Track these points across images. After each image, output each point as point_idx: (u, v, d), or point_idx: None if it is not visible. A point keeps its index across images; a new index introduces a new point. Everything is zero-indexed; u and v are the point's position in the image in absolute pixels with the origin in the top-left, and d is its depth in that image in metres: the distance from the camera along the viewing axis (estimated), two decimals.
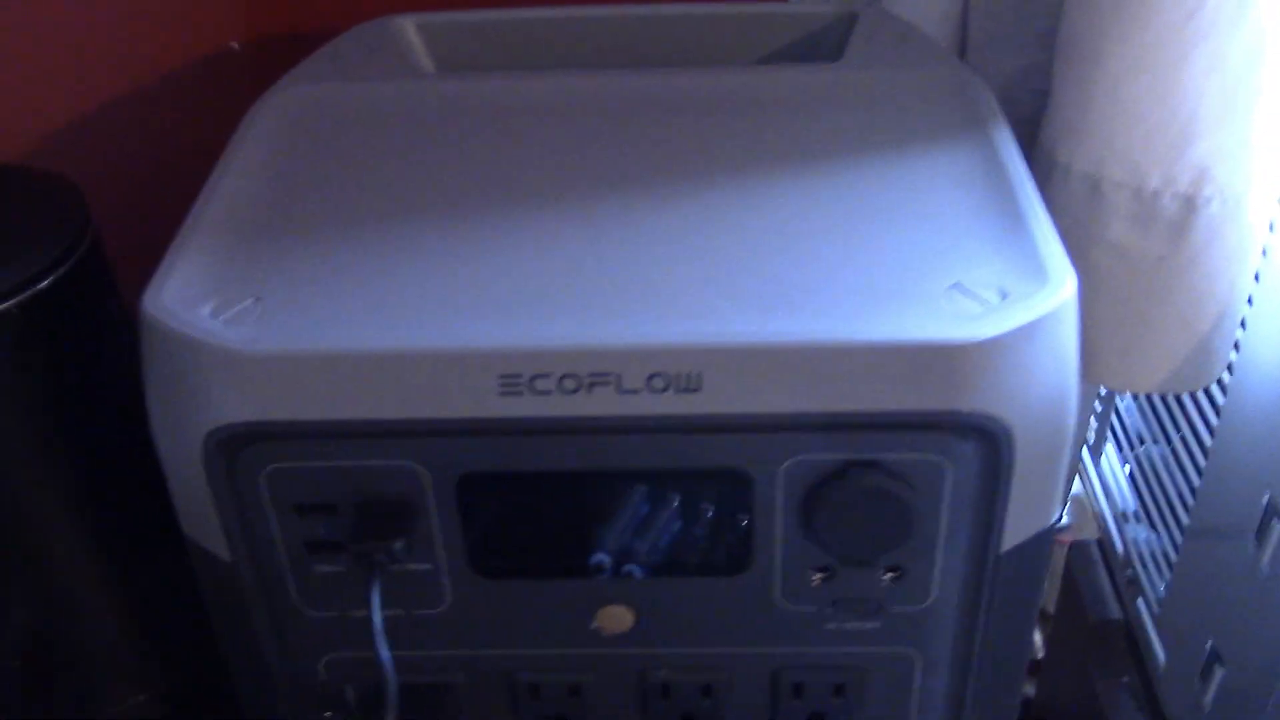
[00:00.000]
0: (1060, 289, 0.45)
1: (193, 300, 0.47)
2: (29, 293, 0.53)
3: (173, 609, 0.66)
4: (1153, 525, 0.75)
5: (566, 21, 0.67)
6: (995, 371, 0.44)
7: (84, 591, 0.61)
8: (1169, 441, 0.74)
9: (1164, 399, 0.74)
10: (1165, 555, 0.72)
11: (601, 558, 0.49)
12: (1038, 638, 0.88)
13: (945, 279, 0.46)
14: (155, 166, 0.74)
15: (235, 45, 0.72)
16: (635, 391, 0.44)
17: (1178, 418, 0.71)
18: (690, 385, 0.44)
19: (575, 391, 0.44)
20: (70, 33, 0.68)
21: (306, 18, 0.70)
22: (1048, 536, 0.49)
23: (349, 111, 0.58)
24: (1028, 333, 0.44)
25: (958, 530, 0.47)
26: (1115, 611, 0.80)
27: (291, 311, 0.46)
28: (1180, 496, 0.71)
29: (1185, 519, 0.69)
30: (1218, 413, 0.65)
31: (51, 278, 0.54)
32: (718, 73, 0.60)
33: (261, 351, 0.44)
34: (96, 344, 0.58)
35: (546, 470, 0.47)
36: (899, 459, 0.45)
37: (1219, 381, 0.63)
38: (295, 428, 0.46)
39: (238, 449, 0.46)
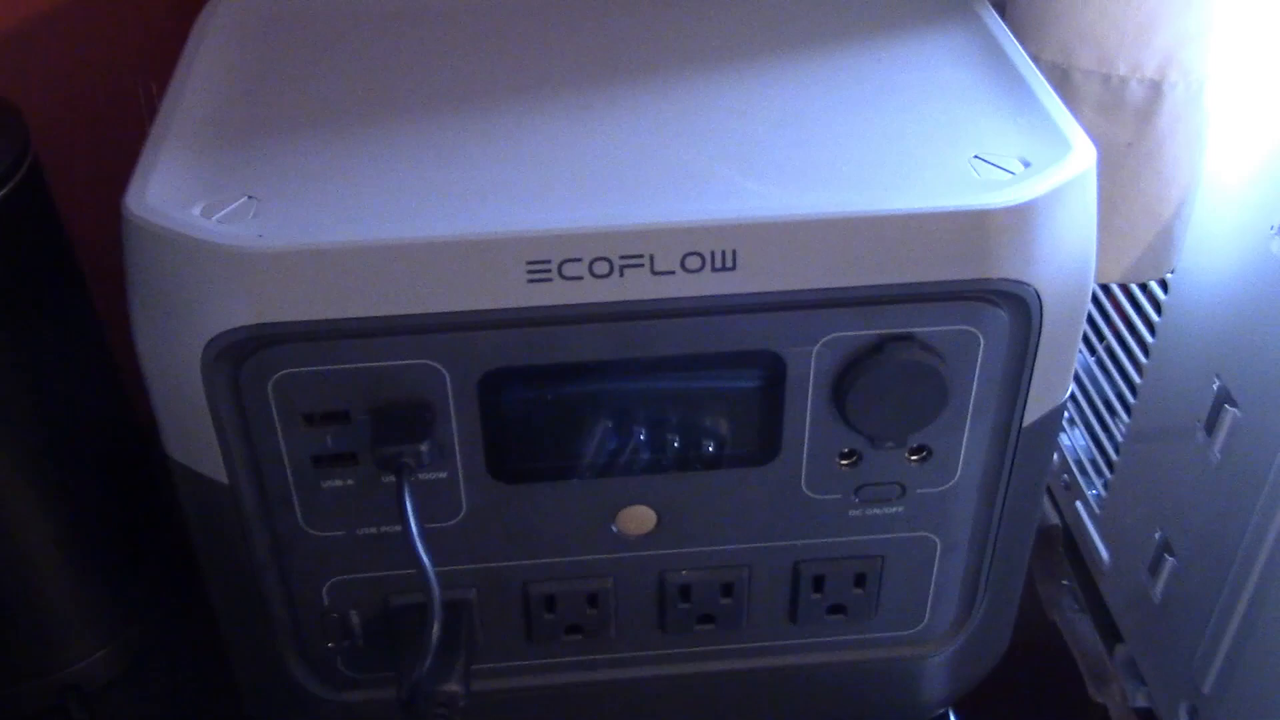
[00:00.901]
0: (1081, 155, 0.45)
1: (179, 202, 0.43)
2: None
3: (132, 558, 0.62)
4: (1089, 429, 0.77)
5: None
6: (1025, 237, 0.44)
7: (39, 542, 0.57)
8: (1092, 351, 0.76)
9: (1094, 302, 0.75)
10: (1105, 457, 0.73)
11: (626, 454, 0.47)
12: None
13: (966, 151, 0.45)
14: (80, 91, 0.69)
15: None
16: (669, 273, 0.43)
17: (1114, 319, 0.73)
18: (725, 263, 0.43)
19: (607, 275, 0.43)
20: None
21: None
22: (1061, 411, 0.50)
23: (300, 14, 0.55)
24: (1054, 198, 0.44)
25: (986, 405, 0.47)
26: (1053, 517, 0.82)
27: (291, 207, 0.43)
28: (1120, 396, 0.72)
29: (1126, 418, 0.70)
30: (1158, 308, 0.67)
31: None
32: None
33: (266, 248, 0.41)
34: (41, 271, 0.54)
35: (573, 362, 0.45)
36: (933, 331, 0.45)
37: None
38: (307, 329, 0.43)
39: (242, 356, 0.43)
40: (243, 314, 0.42)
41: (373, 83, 0.50)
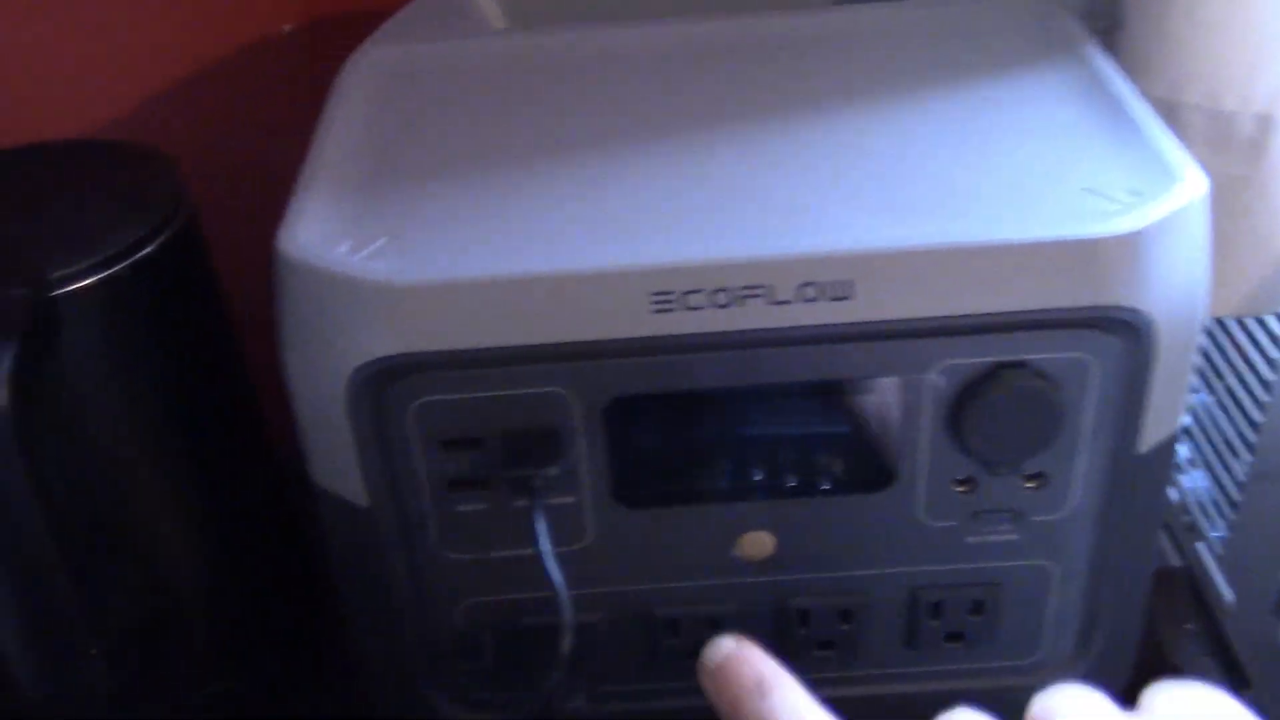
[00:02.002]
0: (1192, 186, 0.46)
1: (327, 241, 0.46)
2: (133, 259, 0.53)
3: (273, 584, 0.65)
4: (1210, 469, 0.76)
5: None
6: (1136, 265, 0.45)
7: (187, 571, 0.60)
8: (1211, 390, 0.76)
9: (1212, 342, 0.75)
10: (1228, 498, 0.73)
11: (747, 480, 0.49)
12: None
13: (1077, 184, 0.47)
14: (225, 142, 0.74)
15: (286, 28, 0.73)
16: (787, 302, 0.45)
17: (1232, 359, 0.73)
18: (842, 293, 0.44)
19: (727, 305, 0.45)
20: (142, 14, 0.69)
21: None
22: (1175, 440, 0.50)
23: (435, 67, 0.59)
24: (1165, 226, 0.45)
25: (1100, 431, 0.48)
26: (1175, 559, 0.81)
27: (430, 246, 0.46)
28: (1241, 436, 0.72)
29: (1248, 458, 0.70)
30: (1278, 344, 0.66)
31: (154, 244, 0.54)
32: (798, 15, 0.61)
33: (408, 282, 0.44)
34: (194, 312, 0.58)
35: (696, 389, 0.47)
36: (1046, 359, 0.46)
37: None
38: (445, 358, 0.45)
39: (385, 384, 0.46)
40: (385, 345, 0.45)
41: (502, 129, 0.53)
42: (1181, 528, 0.80)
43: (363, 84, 0.57)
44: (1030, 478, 0.49)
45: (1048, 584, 0.52)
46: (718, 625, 0.52)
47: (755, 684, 0.41)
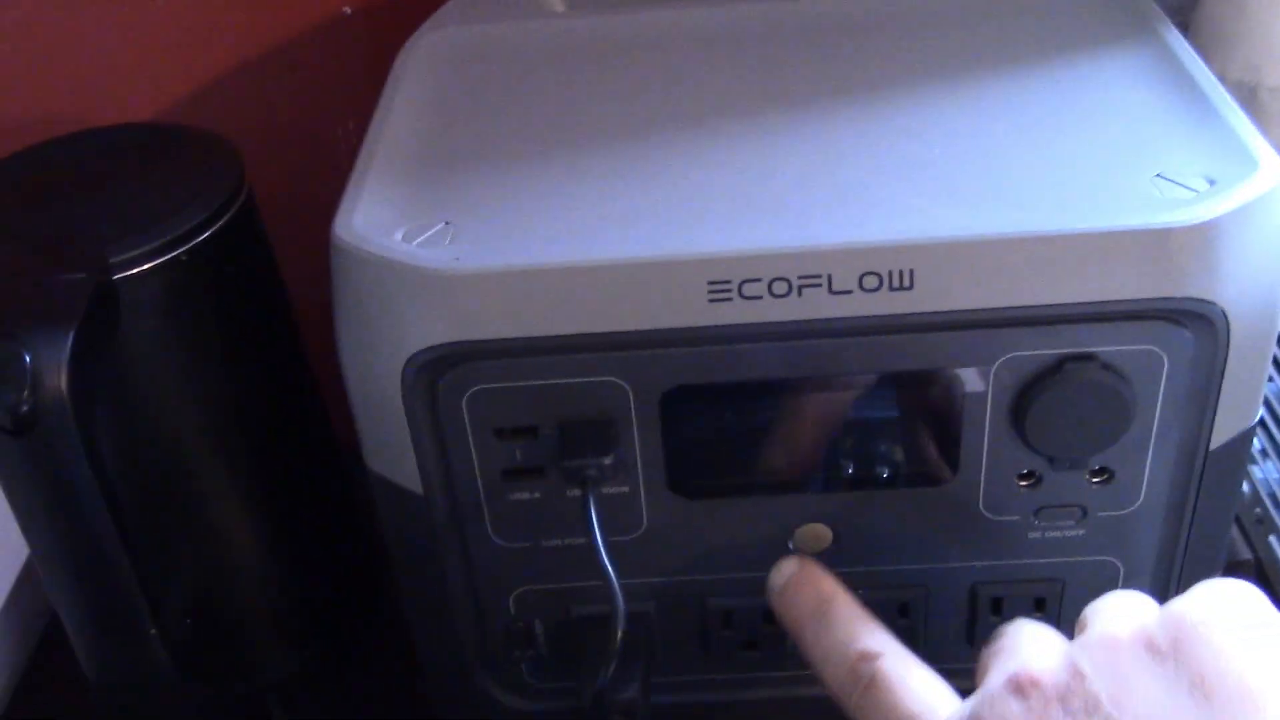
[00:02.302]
0: (1269, 173, 0.44)
1: (382, 228, 0.46)
2: (198, 240, 0.53)
3: (332, 567, 0.65)
4: None
5: None
6: (1210, 256, 0.43)
7: (247, 552, 0.61)
8: None
9: None
10: None
11: (804, 472, 0.48)
12: None
13: (1148, 170, 0.45)
14: (286, 125, 0.74)
15: (347, 10, 0.72)
16: (847, 292, 0.44)
17: None
18: (903, 283, 0.43)
19: (786, 295, 0.44)
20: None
21: None
22: (1251, 435, 0.49)
23: (494, 50, 0.58)
24: (1241, 215, 0.43)
25: (1170, 426, 0.47)
26: (1245, 552, 0.79)
27: (486, 232, 0.45)
28: None
29: None
30: None
31: (214, 229, 0.54)
32: None
33: (464, 270, 0.44)
34: (253, 295, 0.58)
35: (753, 380, 0.46)
36: (1115, 351, 0.45)
37: None
38: (500, 346, 0.45)
39: (440, 372, 0.46)
40: (440, 332, 0.45)
41: (560, 114, 0.53)
42: (1252, 520, 0.78)
43: (421, 67, 0.57)
44: (1096, 473, 0.48)
45: (1115, 581, 0.51)
46: (772, 618, 0.52)
47: (815, 606, 0.45)
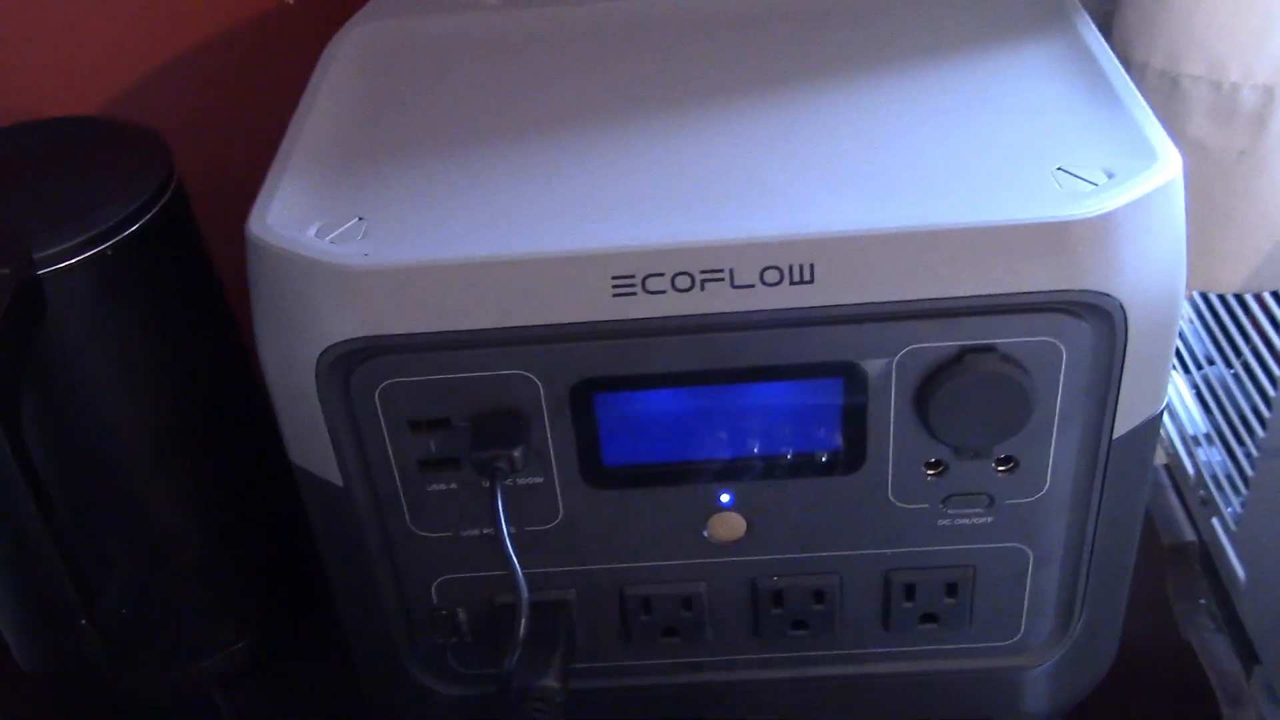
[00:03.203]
0: (1167, 166, 0.45)
1: (297, 223, 0.47)
2: (125, 234, 0.53)
3: (270, 557, 0.66)
4: (1225, 444, 0.75)
5: None
6: (1108, 249, 0.44)
7: (184, 543, 0.61)
8: (1229, 364, 0.75)
9: (1230, 315, 0.74)
10: (1241, 473, 0.72)
11: (714, 463, 0.49)
12: None
13: (1049, 163, 0.46)
14: (223, 118, 0.74)
15: (289, 0, 0.73)
16: (749, 286, 0.44)
17: (1248, 332, 0.71)
18: (804, 277, 0.44)
19: (689, 289, 0.44)
20: None
21: None
22: (1156, 423, 0.49)
23: (422, 44, 0.59)
24: (1138, 208, 0.44)
25: (1072, 416, 0.47)
26: (1189, 534, 0.80)
27: (397, 227, 0.46)
28: (1255, 411, 0.71)
29: (1261, 433, 0.69)
30: None
31: (141, 222, 0.54)
32: None
33: (373, 266, 0.45)
34: (185, 287, 0.59)
35: (659, 373, 0.47)
36: (1014, 343, 0.45)
37: None
38: (409, 341, 0.46)
39: (352, 366, 0.47)
40: (352, 327, 0.46)
41: (483, 107, 0.53)
42: (1197, 502, 0.79)
43: (347, 61, 0.57)
44: (1001, 462, 0.49)
45: (1024, 567, 0.52)
46: (690, 605, 0.53)
47: None
